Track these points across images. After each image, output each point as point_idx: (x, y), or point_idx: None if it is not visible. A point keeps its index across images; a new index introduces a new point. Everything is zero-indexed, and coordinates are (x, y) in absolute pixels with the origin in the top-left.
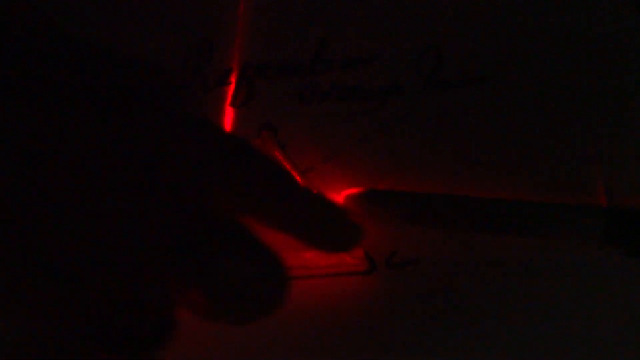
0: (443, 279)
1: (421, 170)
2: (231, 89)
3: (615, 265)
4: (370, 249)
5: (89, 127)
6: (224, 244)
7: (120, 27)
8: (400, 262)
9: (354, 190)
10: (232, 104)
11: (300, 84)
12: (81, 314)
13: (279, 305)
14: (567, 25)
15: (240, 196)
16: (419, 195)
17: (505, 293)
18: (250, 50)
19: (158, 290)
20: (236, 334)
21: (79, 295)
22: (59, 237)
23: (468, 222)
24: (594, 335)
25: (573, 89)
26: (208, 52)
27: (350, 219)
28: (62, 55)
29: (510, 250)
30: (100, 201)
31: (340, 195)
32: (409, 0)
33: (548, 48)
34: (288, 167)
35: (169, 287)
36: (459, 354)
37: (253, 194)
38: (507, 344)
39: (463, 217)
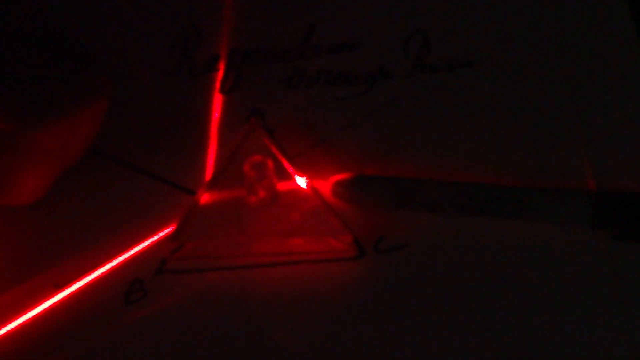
0: (432, 264)
1: (409, 155)
2: (219, 75)
3: (603, 249)
4: (358, 234)
5: None
6: None
7: (109, 12)
8: (388, 247)
9: (342, 176)
10: (221, 90)
11: (288, 70)
12: None
13: None
14: (553, 9)
15: None
16: (407, 180)
17: (494, 276)
18: (238, 36)
19: None
20: (229, 319)
21: None
22: None
23: (456, 206)
24: (582, 318)
25: (561, 73)
26: (195, 38)
27: None
28: None
29: (498, 234)
30: None
31: (328, 181)
32: None
33: (535, 32)
34: (276, 152)
35: None
36: (448, 338)
37: None
38: (495, 327)
39: (451, 202)
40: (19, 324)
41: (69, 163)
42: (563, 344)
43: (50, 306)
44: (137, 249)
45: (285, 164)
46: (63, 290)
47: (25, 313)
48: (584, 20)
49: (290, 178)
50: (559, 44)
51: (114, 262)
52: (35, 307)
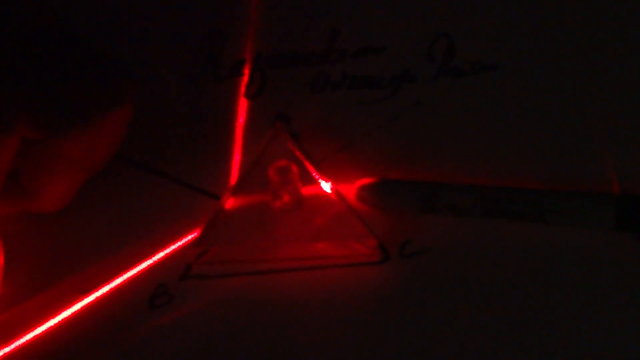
0: (456, 268)
1: (434, 159)
2: (244, 79)
3: (628, 251)
4: (383, 238)
5: None
6: None
7: (133, 17)
8: (413, 252)
9: (367, 181)
10: (246, 95)
11: (313, 74)
12: None
13: None
14: (578, 12)
15: None
16: (431, 185)
17: (519, 279)
18: (263, 41)
19: None
20: (253, 323)
21: None
22: None
23: (481, 210)
24: (608, 320)
25: (585, 77)
26: (220, 43)
27: None
28: None
29: (522, 237)
30: None
31: (353, 186)
32: None
33: (560, 36)
34: (301, 157)
35: None
36: (474, 341)
37: None
38: (521, 330)
39: (476, 206)
40: (46, 330)
41: (94, 169)
42: (590, 347)
43: (76, 311)
44: (162, 254)
45: (310, 168)
46: (89, 296)
47: (51, 318)
48: (610, 23)
49: (315, 183)
50: (583, 47)
51: (139, 268)
52: (62, 313)
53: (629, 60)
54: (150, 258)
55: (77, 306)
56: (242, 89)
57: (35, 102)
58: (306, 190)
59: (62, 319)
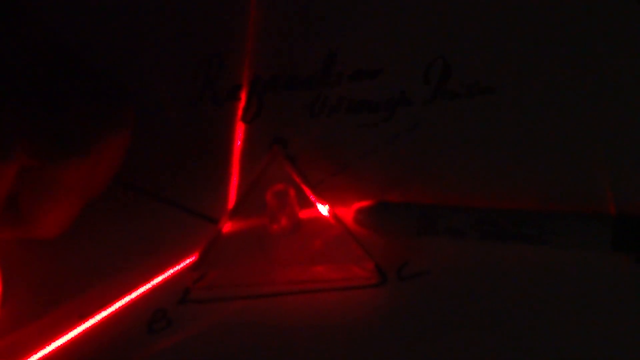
0: (454, 290)
1: (431, 182)
2: (242, 103)
3: (625, 272)
4: (381, 261)
5: None
6: None
7: (132, 42)
8: (411, 274)
9: (364, 203)
10: (243, 119)
11: (310, 97)
12: None
13: None
14: (573, 36)
15: None
16: (429, 207)
17: (517, 301)
18: (260, 65)
19: None
20: (252, 347)
21: None
22: None
23: (478, 232)
24: (605, 342)
25: (580, 98)
26: (218, 67)
27: None
28: None
29: (520, 259)
30: None
31: (350, 208)
32: (416, 12)
33: (556, 58)
34: (298, 180)
35: None
36: None
37: None
38: (519, 353)
39: (473, 228)
40: (45, 355)
41: (92, 195)
42: None
43: (74, 337)
44: (160, 278)
45: (307, 192)
46: (87, 321)
47: (50, 343)
48: (606, 46)
49: (313, 206)
50: (579, 69)
51: (138, 292)
52: (60, 338)
53: (625, 82)
54: (149, 282)
55: (76, 331)
56: (240, 113)
57: (34, 129)
58: (304, 214)
59: (61, 344)
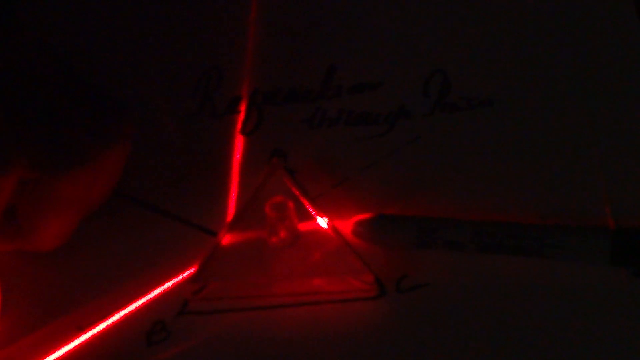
0: (453, 303)
1: (430, 194)
2: (241, 116)
3: (623, 286)
4: (380, 273)
5: None
6: None
7: (130, 55)
8: (410, 287)
9: (363, 216)
10: (242, 131)
11: (309, 110)
12: None
13: None
14: (572, 49)
15: None
16: (427, 220)
17: (515, 314)
18: (259, 78)
19: None
20: (253, 358)
21: None
22: None
23: (477, 245)
24: (603, 356)
25: (580, 112)
26: (217, 80)
27: None
28: None
29: (519, 272)
30: None
31: (349, 221)
32: (415, 25)
33: (555, 71)
34: (297, 193)
35: None
36: None
37: None
38: None
39: (472, 241)
40: None
41: (91, 207)
42: None
43: (73, 348)
44: (159, 290)
45: (307, 204)
46: (86, 332)
47: (48, 355)
48: (604, 60)
49: (312, 218)
50: (578, 82)
51: (137, 304)
52: (59, 349)
53: (623, 96)
54: (148, 294)
55: (75, 343)
56: (239, 126)
57: (33, 142)
58: (302, 226)
59: (59, 356)
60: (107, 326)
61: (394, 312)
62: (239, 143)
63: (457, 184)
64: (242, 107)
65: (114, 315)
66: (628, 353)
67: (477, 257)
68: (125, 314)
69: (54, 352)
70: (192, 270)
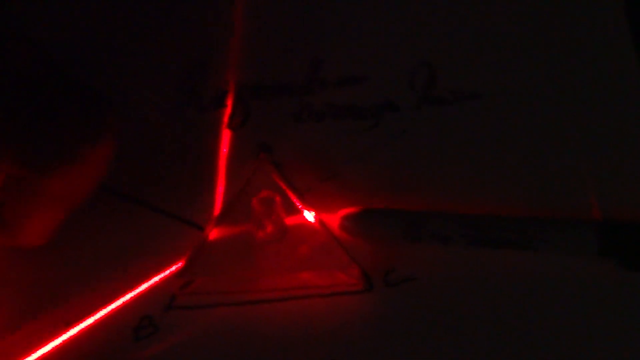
0: (440, 296)
1: (417, 188)
2: (227, 110)
3: (611, 278)
4: (367, 267)
5: None
6: None
7: (116, 50)
8: (397, 280)
9: (350, 210)
10: (229, 126)
11: (296, 104)
12: None
13: None
14: (559, 42)
15: None
16: (415, 213)
17: (503, 307)
18: (246, 72)
19: None
20: (238, 354)
21: None
22: None
23: (464, 238)
24: (590, 346)
25: (566, 104)
26: (203, 75)
27: None
28: None
29: (506, 265)
30: None
31: (336, 215)
32: (400, 18)
33: (541, 65)
34: (284, 187)
35: None
36: None
37: None
38: (505, 358)
39: (459, 234)
40: None
41: (78, 203)
42: None
43: (60, 344)
44: (146, 285)
45: (294, 198)
46: (73, 328)
47: (36, 351)
48: (590, 54)
49: (299, 213)
50: (564, 76)
51: (124, 299)
52: (46, 345)
53: (610, 90)
54: (135, 289)
55: (62, 338)
56: (226, 120)
57: (18, 139)
58: (290, 221)
59: (46, 351)
60: (94, 321)
61: (381, 306)
62: (225, 138)
63: (444, 178)
64: (229, 102)
65: (101, 310)
66: (616, 343)
67: (464, 251)
68: (112, 309)
69: (42, 348)
70: (179, 265)
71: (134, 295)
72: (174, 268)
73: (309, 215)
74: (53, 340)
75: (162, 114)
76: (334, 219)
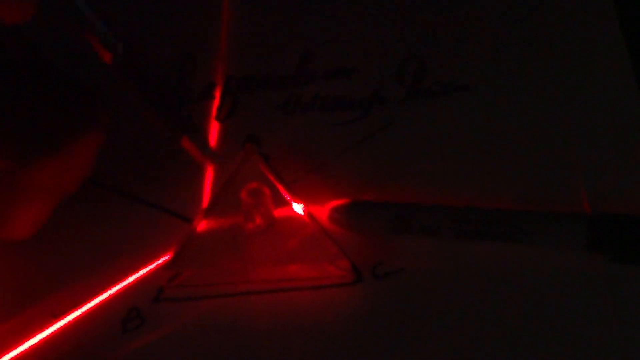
0: (429, 288)
1: (406, 180)
2: (215, 102)
3: (600, 271)
4: (356, 259)
5: None
6: None
7: None
8: (386, 272)
9: (338, 202)
10: (217, 118)
11: (284, 96)
12: None
13: None
14: (547, 34)
15: None
16: (403, 205)
17: (491, 300)
18: (234, 64)
19: None
20: (227, 346)
21: None
22: None
23: (453, 230)
24: (579, 340)
25: (555, 97)
26: (191, 66)
27: None
28: None
29: (495, 258)
30: None
31: (325, 207)
32: (390, 11)
33: (528, 57)
34: (273, 179)
35: None
36: None
37: None
38: (493, 350)
39: (448, 226)
40: (18, 354)
41: (64, 195)
42: None
43: (48, 335)
44: (134, 277)
45: (282, 190)
46: (61, 320)
47: (23, 343)
48: (579, 45)
49: (287, 204)
50: (553, 69)
51: (111, 291)
52: (34, 337)
53: (599, 81)
54: (123, 281)
55: (50, 330)
56: (214, 112)
57: (4, 131)
58: (278, 212)
59: (34, 343)
60: (82, 313)
61: (370, 298)
62: (213, 129)
63: (432, 170)
64: (217, 94)
65: (88, 302)
66: (605, 338)
67: (453, 243)
68: (100, 301)
69: (29, 340)
70: (167, 257)
71: (122, 288)
72: (161, 260)
73: (298, 207)
74: (41, 332)
75: (150, 106)
76: (323, 211)
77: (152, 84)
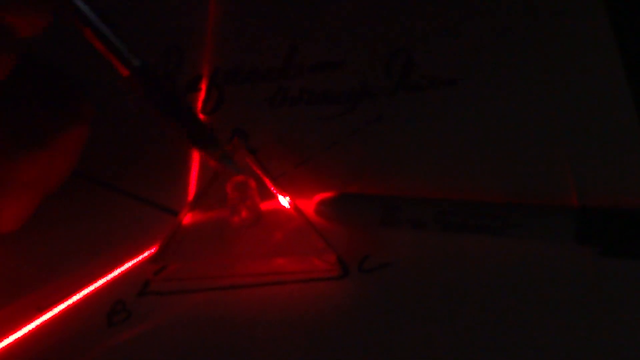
0: (416, 282)
1: (393, 173)
2: (201, 95)
3: (588, 265)
4: (343, 253)
5: None
6: None
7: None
8: (373, 266)
9: (325, 195)
10: (203, 111)
11: (271, 89)
12: None
13: None
14: (536, 27)
15: None
16: (391, 198)
17: (479, 294)
18: (220, 57)
19: None
20: (213, 340)
21: None
22: None
23: (441, 224)
24: (567, 334)
25: (543, 91)
26: (177, 59)
27: None
28: None
29: (483, 251)
30: None
31: (311, 200)
32: (377, 4)
33: (519, 50)
34: (259, 172)
35: None
36: (433, 356)
37: None
38: (481, 345)
39: (436, 219)
40: (3, 347)
41: (50, 189)
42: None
43: (33, 329)
44: (119, 270)
45: (268, 183)
46: (46, 313)
47: (8, 336)
48: (567, 39)
49: (274, 198)
50: (541, 62)
51: (97, 284)
52: (18, 330)
53: (588, 75)
54: (108, 274)
55: (35, 323)
56: (200, 105)
57: None
58: (265, 206)
59: (19, 337)
60: (67, 307)
61: (356, 292)
62: None
63: (420, 163)
64: (203, 87)
65: (74, 295)
66: (594, 331)
67: (440, 236)
68: (85, 295)
69: (14, 333)
70: (153, 250)
71: (108, 281)
72: (147, 253)
73: (284, 201)
74: (26, 325)
75: (135, 99)
76: (309, 204)
77: (172, 96)
